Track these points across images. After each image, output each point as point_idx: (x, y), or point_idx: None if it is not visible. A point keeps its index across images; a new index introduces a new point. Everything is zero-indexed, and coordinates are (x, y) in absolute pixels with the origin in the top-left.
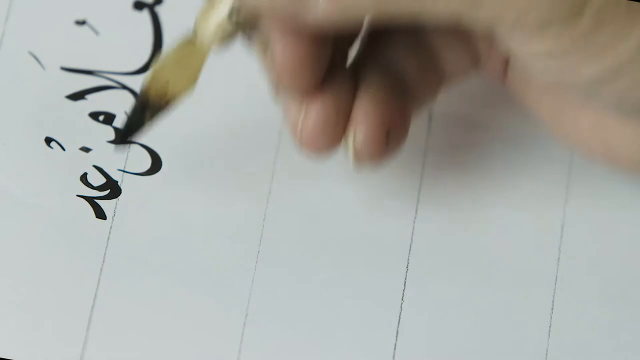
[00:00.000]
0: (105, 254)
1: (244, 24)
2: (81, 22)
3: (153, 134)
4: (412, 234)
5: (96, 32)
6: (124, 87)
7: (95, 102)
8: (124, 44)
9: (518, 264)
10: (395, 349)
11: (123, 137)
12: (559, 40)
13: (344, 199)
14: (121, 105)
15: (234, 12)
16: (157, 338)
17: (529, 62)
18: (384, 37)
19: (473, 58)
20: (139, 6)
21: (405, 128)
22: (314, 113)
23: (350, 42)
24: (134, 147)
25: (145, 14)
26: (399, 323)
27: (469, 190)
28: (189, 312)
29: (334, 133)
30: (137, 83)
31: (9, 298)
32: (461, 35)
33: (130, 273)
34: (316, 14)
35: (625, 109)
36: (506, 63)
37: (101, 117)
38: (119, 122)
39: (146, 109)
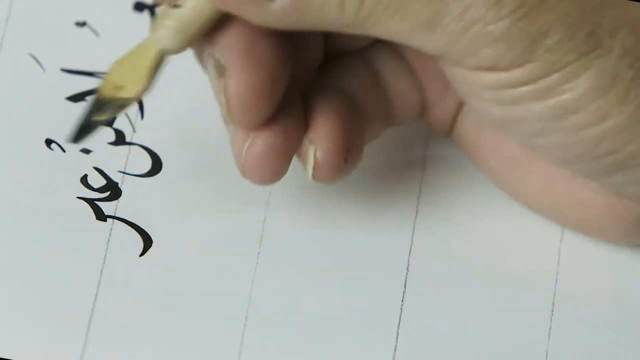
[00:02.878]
0: (105, 255)
1: (192, 22)
2: (81, 24)
3: (153, 135)
4: (412, 235)
5: (96, 34)
6: None
7: None
8: (124, 45)
9: (518, 269)
10: (395, 350)
11: (77, 134)
12: (507, 76)
13: (344, 201)
14: None
15: (173, 7)
16: (157, 339)
17: (478, 93)
18: (339, 67)
19: (421, 106)
20: (139, 7)
21: (362, 149)
22: (259, 143)
23: (306, 69)
24: (134, 148)
25: (145, 15)
26: (399, 325)
27: (469, 193)
28: (189, 313)
29: (280, 163)
30: None
31: (10, 299)
32: (412, 81)
33: (130, 275)
34: (271, 14)
35: (570, 158)
36: (455, 116)
37: None
38: (119, 123)
39: (101, 107)
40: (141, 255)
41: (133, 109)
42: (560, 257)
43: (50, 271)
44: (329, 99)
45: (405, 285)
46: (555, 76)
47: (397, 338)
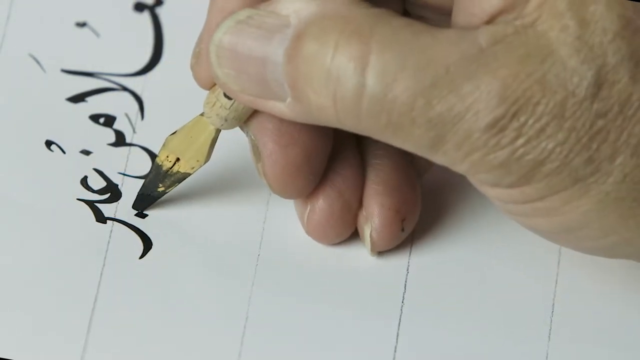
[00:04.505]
0: (105, 257)
1: (240, 111)
2: (82, 24)
3: (153, 136)
4: (412, 236)
5: (97, 34)
6: (125, 88)
7: (96, 104)
8: (124, 45)
9: (518, 270)
10: (395, 351)
11: (138, 205)
12: (510, 195)
13: None
14: (122, 108)
15: (226, 97)
16: (157, 340)
17: (491, 200)
18: None
19: None
20: (139, 8)
21: (418, 208)
22: (318, 209)
23: None
24: (134, 149)
25: (145, 16)
26: (399, 325)
27: (468, 195)
28: (189, 315)
29: (342, 225)
30: (137, 85)
31: (10, 300)
32: None
33: (130, 277)
34: (284, 112)
35: (581, 251)
36: None
37: (102, 120)
38: (120, 124)
39: (160, 179)
40: (141, 257)
41: (133, 110)
42: (560, 257)
43: (51, 273)
44: (379, 159)
45: (405, 286)
46: (555, 198)
47: (397, 339)
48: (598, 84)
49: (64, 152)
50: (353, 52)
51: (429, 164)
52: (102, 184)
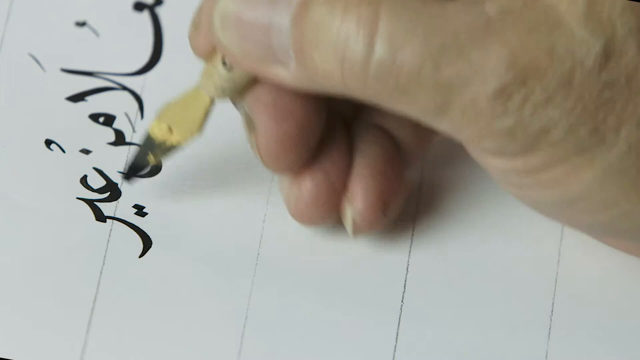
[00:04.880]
0: (105, 256)
1: (237, 81)
2: (81, 24)
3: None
4: (412, 236)
5: (96, 34)
6: (125, 88)
7: (96, 103)
8: (124, 45)
9: (518, 269)
10: (395, 350)
11: (128, 175)
12: (513, 166)
13: None
14: (121, 107)
15: (224, 65)
16: (157, 340)
17: (491, 173)
18: None
19: None
20: (139, 7)
21: (402, 196)
22: (304, 190)
23: (347, 101)
24: (134, 148)
25: (145, 15)
26: (398, 325)
27: (468, 195)
28: (189, 314)
29: (327, 208)
30: (137, 84)
31: (10, 299)
32: None
33: (130, 276)
34: (286, 78)
35: (582, 229)
36: None
37: (101, 119)
38: (119, 123)
39: (151, 149)
40: (141, 256)
41: (133, 109)
42: (560, 257)
43: (50, 272)
44: (367, 144)
45: (405, 286)
46: (559, 168)
47: (397, 338)
48: (606, 55)
49: (63, 151)
50: (362, 17)
51: (417, 152)
52: (101, 183)
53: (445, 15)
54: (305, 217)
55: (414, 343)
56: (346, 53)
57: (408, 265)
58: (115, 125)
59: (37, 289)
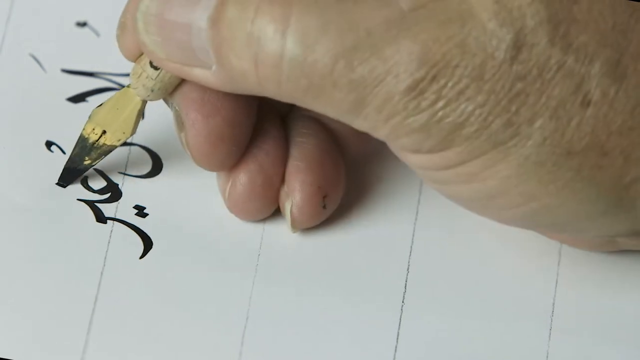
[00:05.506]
0: (105, 257)
1: (166, 81)
2: (82, 24)
3: (153, 136)
4: (413, 236)
5: (97, 34)
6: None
7: (96, 104)
8: None
9: (518, 270)
10: (395, 351)
11: (63, 178)
12: (431, 162)
13: (344, 201)
14: None
15: (152, 66)
16: (157, 340)
17: (413, 169)
18: None
19: None
20: None
21: (341, 188)
22: (239, 183)
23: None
24: (134, 149)
25: None
26: (399, 325)
27: None
28: (190, 315)
29: (263, 201)
30: None
31: (10, 300)
32: None
33: (131, 277)
34: (209, 79)
35: (505, 222)
36: None
37: None
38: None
39: (86, 151)
40: (141, 257)
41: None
42: (560, 257)
43: (51, 273)
44: (303, 137)
45: (405, 286)
46: (475, 163)
47: (397, 338)
48: (517, 47)
49: (64, 152)
50: (274, 14)
51: (357, 145)
52: (102, 184)
53: (359, 11)
54: (241, 210)
55: (415, 343)
56: (259, 51)
57: (409, 265)
58: None
59: (38, 289)
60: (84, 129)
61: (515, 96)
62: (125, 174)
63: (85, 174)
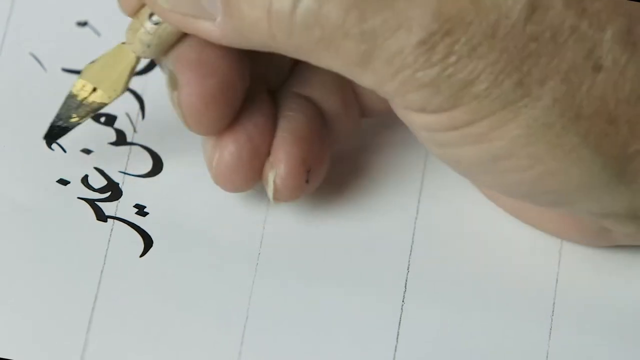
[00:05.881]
0: (105, 256)
1: (163, 37)
2: (83, 24)
3: (154, 135)
4: (413, 235)
5: (98, 33)
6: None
7: None
8: None
9: (519, 269)
10: (395, 350)
11: (50, 134)
12: (437, 122)
13: (344, 201)
14: (122, 107)
15: (150, 21)
16: (157, 339)
17: (414, 131)
18: (309, 67)
19: None
20: None
21: (325, 164)
22: (226, 153)
23: (272, 69)
24: (135, 148)
25: None
26: (399, 325)
27: (470, 193)
28: (190, 314)
29: (249, 172)
30: (138, 84)
31: (10, 299)
32: None
33: (131, 275)
34: (213, 32)
35: (506, 191)
36: None
37: (102, 119)
38: (120, 123)
39: (75, 108)
40: (142, 255)
41: (134, 109)
42: (561, 257)
43: (51, 271)
44: (290, 108)
45: (405, 286)
46: (484, 123)
47: (397, 338)
48: (532, 8)
49: (64, 151)
50: None
51: (346, 125)
52: (102, 182)
53: None
54: (227, 180)
55: (415, 343)
56: (273, 2)
57: (409, 265)
58: (117, 125)
59: (38, 288)
60: (74, 85)
61: (528, 56)
62: (125, 173)
63: (86, 172)
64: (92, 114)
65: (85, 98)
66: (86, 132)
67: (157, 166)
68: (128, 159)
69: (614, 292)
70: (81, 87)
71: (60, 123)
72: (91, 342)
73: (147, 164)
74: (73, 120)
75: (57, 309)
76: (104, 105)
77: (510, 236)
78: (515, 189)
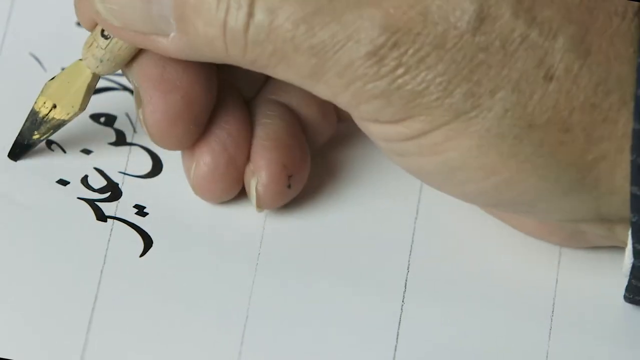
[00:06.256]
0: (105, 256)
1: (116, 52)
2: None
3: None
4: (413, 235)
5: None
6: (125, 88)
7: (96, 103)
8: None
9: (518, 269)
10: (395, 350)
11: (13, 152)
12: (394, 131)
13: (344, 201)
14: (122, 107)
15: (103, 36)
16: (157, 339)
17: (374, 140)
18: None
19: None
20: None
21: (306, 169)
22: (202, 163)
23: (245, 77)
24: (135, 149)
25: None
26: (399, 325)
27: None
28: (190, 314)
29: (227, 181)
30: None
31: (10, 299)
32: None
33: (131, 275)
34: (166, 47)
35: (469, 200)
36: None
37: (102, 119)
38: (120, 123)
39: (36, 125)
40: (141, 255)
41: (134, 109)
42: (560, 257)
43: (51, 271)
44: (268, 115)
45: (405, 286)
46: (438, 133)
47: (397, 338)
48: (480, 18)
49: (64, 151)
50: None
51: (323, 130)
52: (102, 183)
53: None
54: (205, 191)
55: (415, 342)
56: (228, 19)
57: (409, 264)
58: (116, 125)
59: (38, 288)
60: (35, 102)
61: (477, 66)
62: (125, 173)
63: (86, 172)
64: (53, 132)
65: (46, 115)
66: (86, 132)
67: (157, 167)
68: (128, 160)
69: (614, 292)
70: (42, 104)
71: (23, 141)
72: (91, 342)
73: (147, 165)
74: (35, 137)
75: (57, 308)
76: (63, 122)
77: (510, 236)
78: (475, 198)
